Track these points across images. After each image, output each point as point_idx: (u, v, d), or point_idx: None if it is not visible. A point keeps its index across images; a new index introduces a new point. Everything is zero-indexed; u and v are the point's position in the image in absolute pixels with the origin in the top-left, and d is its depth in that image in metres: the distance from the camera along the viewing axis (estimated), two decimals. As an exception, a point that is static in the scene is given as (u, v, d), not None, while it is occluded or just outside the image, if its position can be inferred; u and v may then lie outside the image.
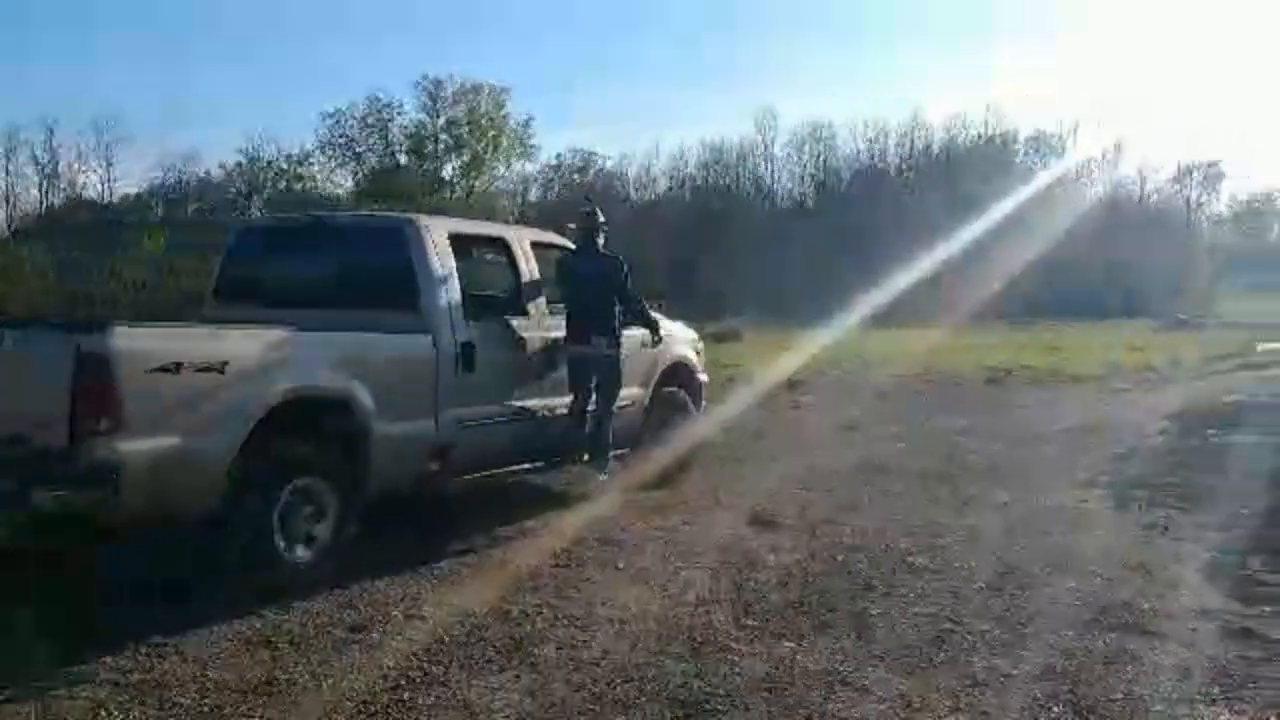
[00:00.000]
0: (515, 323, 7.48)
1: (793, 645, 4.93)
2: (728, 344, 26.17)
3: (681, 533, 7.24)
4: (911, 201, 58.39)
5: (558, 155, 75.96)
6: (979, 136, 64.37)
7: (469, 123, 72.75)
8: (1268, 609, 5.46)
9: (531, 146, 74.06)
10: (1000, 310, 30.67)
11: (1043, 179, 53.12)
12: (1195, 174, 63.78)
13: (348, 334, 6.33)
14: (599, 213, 8.39)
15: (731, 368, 15.80)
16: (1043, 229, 33.97)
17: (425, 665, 4.62)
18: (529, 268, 7.77)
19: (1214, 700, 4.32)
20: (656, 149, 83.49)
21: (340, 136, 74.08)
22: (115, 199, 69.34)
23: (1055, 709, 4.23)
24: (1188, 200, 63.72)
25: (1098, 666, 4.69)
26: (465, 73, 73.36)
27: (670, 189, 74.31)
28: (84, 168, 66.45)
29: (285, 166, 75.79)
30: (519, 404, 7.37)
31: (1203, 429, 11.83)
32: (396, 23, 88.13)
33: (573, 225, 8.52)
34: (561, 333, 7.77)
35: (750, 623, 5.25)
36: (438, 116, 74.14)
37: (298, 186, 76.11)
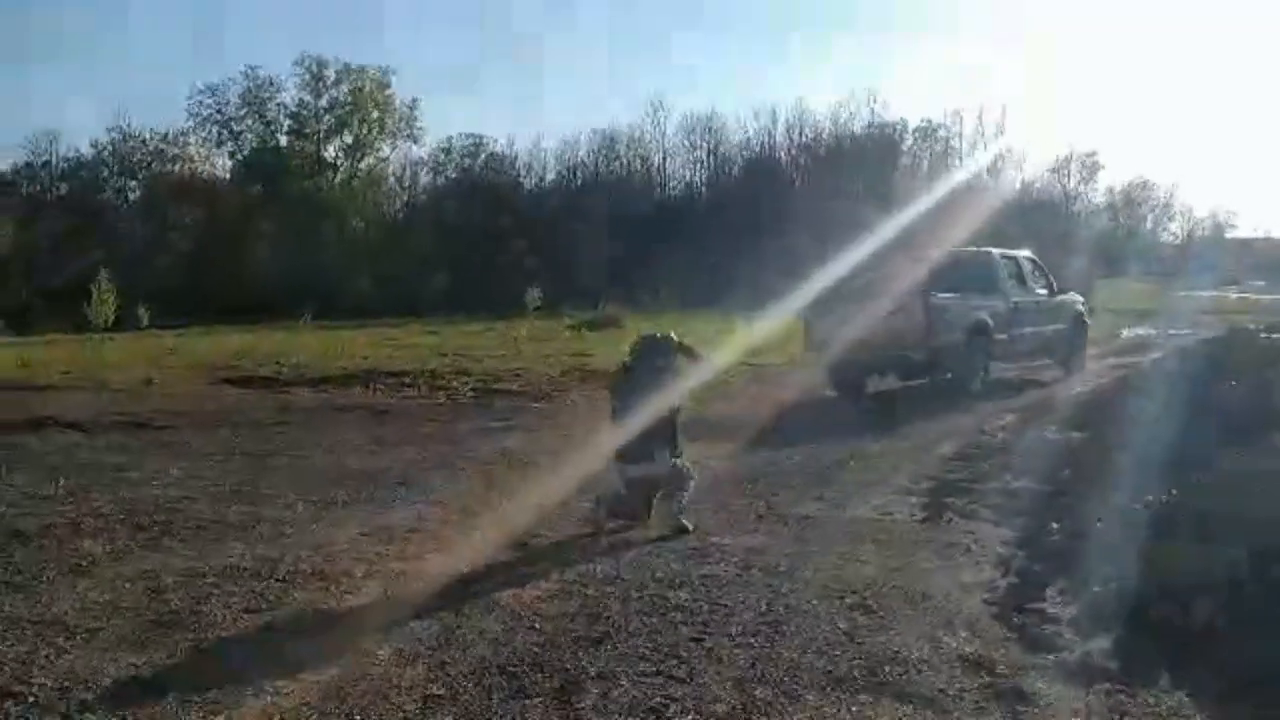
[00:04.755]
0: (1022, 294, 15.64)
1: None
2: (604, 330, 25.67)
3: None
4: (802, 188, 58.23)
5: (448, 139, 74.30)
6: (868, 126, 64.59)
7: (352, 103, 70.66)
8: (1050, 657, 4.68)
9: (418, 129, 72.39)
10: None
11: (928, 167, 53.38)
12: (1073, 164, 64.88)
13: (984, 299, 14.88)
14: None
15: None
16: (926, 217, 33.86)
17: None
18: (1025, 269, 16.19)
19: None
20: (544, 136, 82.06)
21: (216, 114, 71.44)
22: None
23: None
24: (1065, 190, 64.72)
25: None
26: (347, 54, 71.54)
27: (561, 175, 73.26)
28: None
29: (162, 147, 72.99)
30: (1031, 330, 15.61)
31: (1043, 425, 11.29)
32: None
33: None
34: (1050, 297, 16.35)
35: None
36: (319, 96, 71.86)
37: (175, 168, 73.45)
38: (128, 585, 5.83)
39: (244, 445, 11.01)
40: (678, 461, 7.25)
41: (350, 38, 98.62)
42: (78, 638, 5.00)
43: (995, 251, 15.80)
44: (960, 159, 61.66)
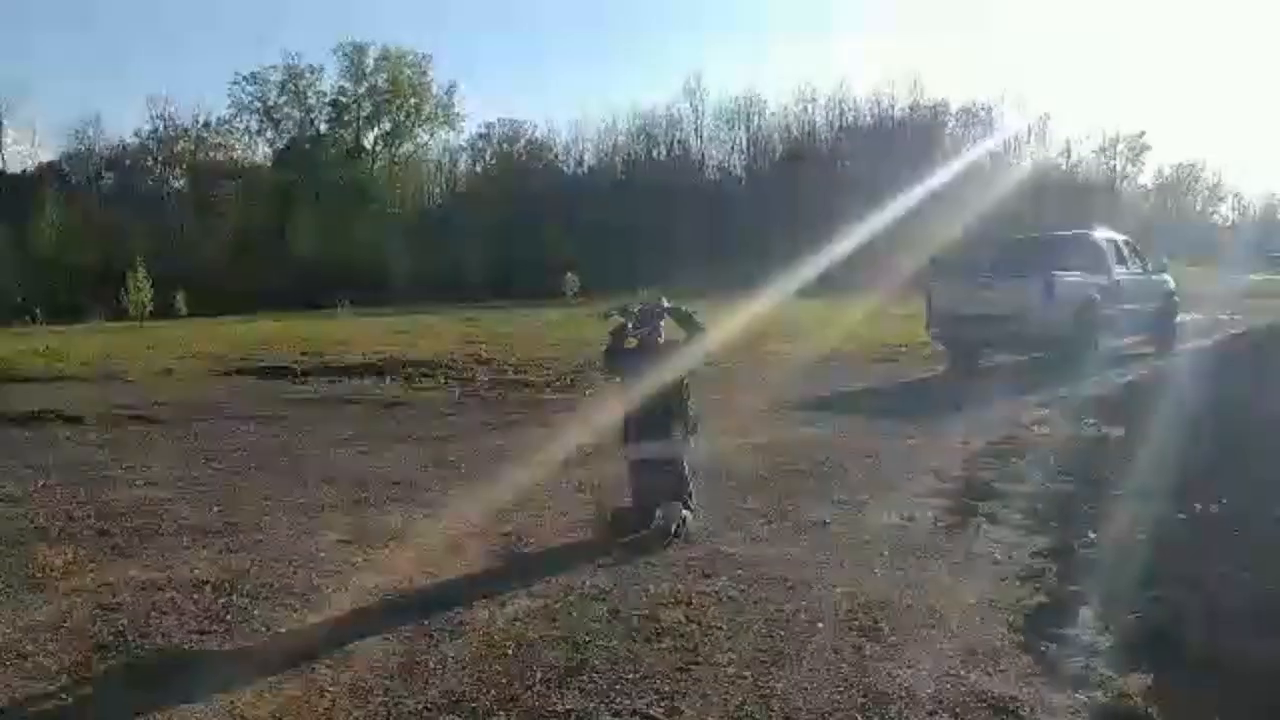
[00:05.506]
0: (1124, 273, 16.45)
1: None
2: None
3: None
4: (841, 172, 57.37)
5: (487, 124, 74.12)
6: (909, 108, 63.50)
7: (390, 90, 70.56)
8: (1082, 697, 4.09)
9: (455, 115, 72.26)
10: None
11: (972, 150, 52.30)
12: (1121, 145, 63.33)
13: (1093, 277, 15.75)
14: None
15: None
16: (971, 199, 33.15)
17: None
18: (1124, 250, 17.08)
19: None
20: (584, 120, 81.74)
21: (257, 101, 71.67)
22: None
23: None
24: (1113, 171, 63.20)
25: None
26: (385, 39, 71.45)
27: (600, 160, 72.82)
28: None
29: (204, 135, 73.36)
30: (1131, 307, 16.18)
31: (1084, 417, 10.66)
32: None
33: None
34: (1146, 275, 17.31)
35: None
36: (359, 83, 71.86)
37: (216, 156, 73.79)
38: (79, 601, 5.40)
39: (242, 440, 10.62)
40: (689, 441, 6.79)
41: (387, 22, 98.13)
42: (7, 663, 4.58)
43: (1099, 233, 17.01)
44: (1004, 140, 60.45)
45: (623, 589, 5.51)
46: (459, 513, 7.31)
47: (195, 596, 5.47)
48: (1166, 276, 18.29)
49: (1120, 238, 17.51)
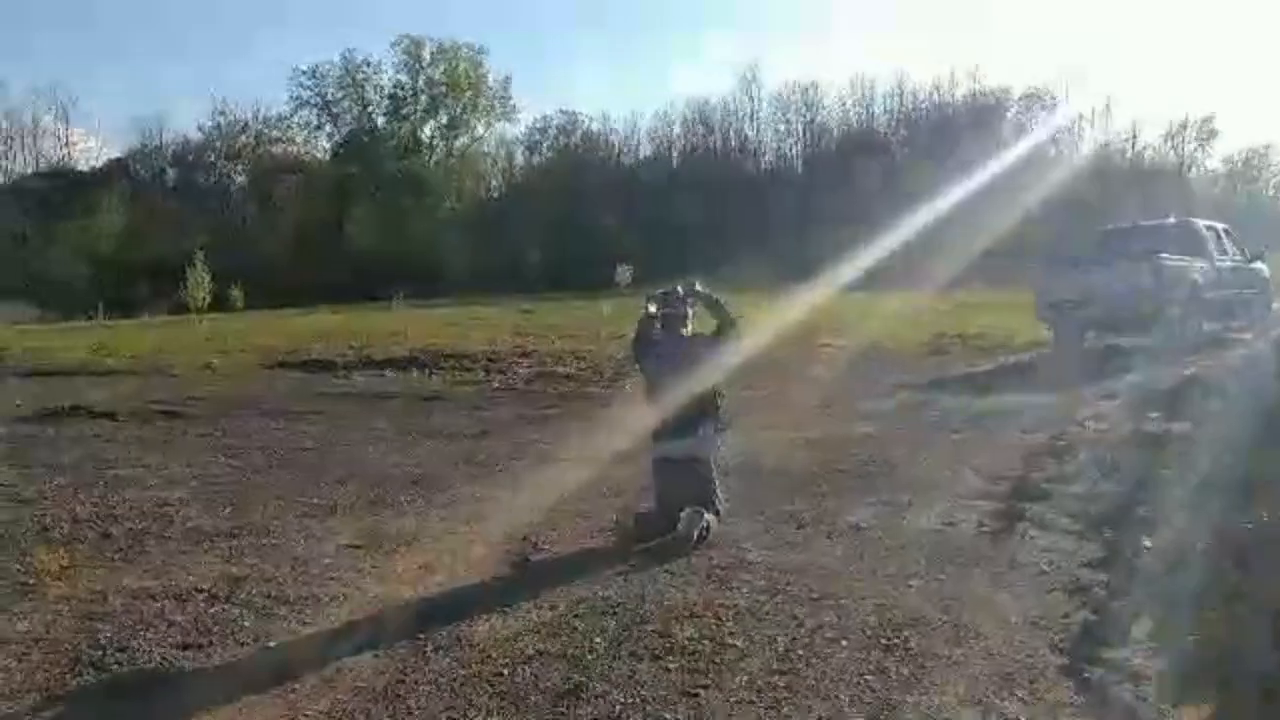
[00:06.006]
0: (1224, 259, 16.72)
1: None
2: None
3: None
4: (901, 160, 56.48)
5: (543, 116, 74.08)
6: (971, 94, 62.34)
7: (447, 83, 70.69)
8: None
9: (510, 107, 72.26)
10: (996, 270, 29.41)
11: (1034, 136, 51.14)
12: (1189, 130, 61.54)
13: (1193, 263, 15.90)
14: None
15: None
16: (1033, 187, 32.35)
17: None
18: (1223, 237, 17.34)
19: None
20: (639, 111, 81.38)
21: (316, 95, 72.13)
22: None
23: None
24: (1180, 157, 61.47)
25: None
26: (442, 32, 71.63)
27: (656, 150, 72.45)
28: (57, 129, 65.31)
29: (264, 130, 74.04)
30: (1231, 291, 16.56)
31: (1145, 411, 10.11)
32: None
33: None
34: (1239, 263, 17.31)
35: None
36: (416, 76, 72.06)
37: (276, 150, 74.48)
38: (66, 610, 5.16)
39: (269, 437, 10.43)
40: (718, 440, 6.49)
41: (445, 15, 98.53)
42: (-24, 680, 4.33)
43: (1200, 220, 17.84)
44: (1067, 127, 59.12)
45: (635, 601, 5.15)
46: (478, 515, 7.01)
47: (186, 606, 5.20)
48: (1263, 264, 18.67)
49: (1220, 226, 18.06)
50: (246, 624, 4.97)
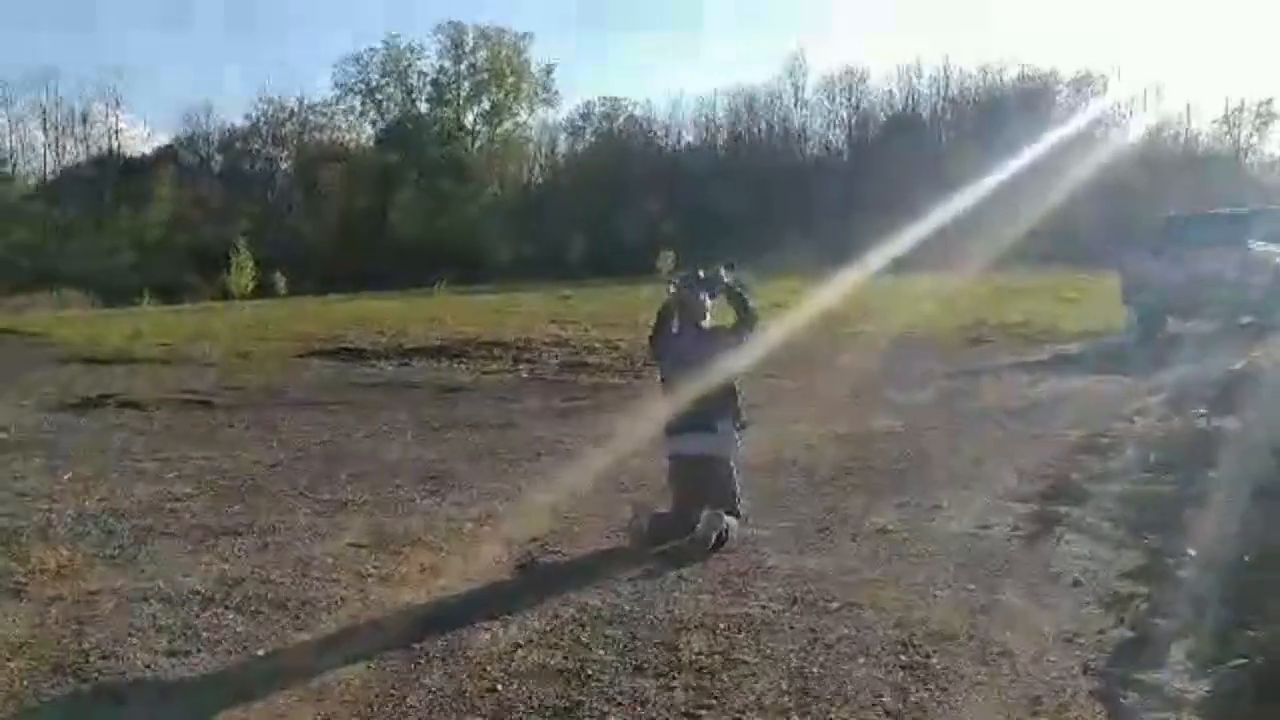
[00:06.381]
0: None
1: None
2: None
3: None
4: (948, 145, 55.72)
5: (585, 102, 73.85)
6: (1018, 79, 61.32)
7: (490, 69, 70.64)
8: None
9: (553, 93, 72.09)
10: (1039, 255, 29.09)
11: (1082, 120, 50.18)
12: (1245, 113, 59.98)
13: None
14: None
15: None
16: (1083, 173, 31.70)
17: None
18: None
19: None
20: (682, 97, 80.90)
21: (360, 82, 72.35)
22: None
23: None
24: (1236, 142, 59.98)
25: None
26: (484, 18, 71.55)
27: (700, 136, 71.97)
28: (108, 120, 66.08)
29: (309, 117, 74.44)
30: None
31: (1191, 406, 9.67)
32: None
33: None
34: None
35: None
36: (459, 62, 72.08)
37: (321, 137, 74.88)
38: (55, 612, 4.99)
39: (291, 428, 10.27)
40: (738, 437, 6.18)
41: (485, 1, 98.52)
42: (-48, 688, 4.17)
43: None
44: (1117, 111, 57.96)
45: (644, 610, 4.89)
46: (490, 513, 6.78)
47: (179, 609, 5.01)
48: None
49: None
50: (239, 630, 4.77)
